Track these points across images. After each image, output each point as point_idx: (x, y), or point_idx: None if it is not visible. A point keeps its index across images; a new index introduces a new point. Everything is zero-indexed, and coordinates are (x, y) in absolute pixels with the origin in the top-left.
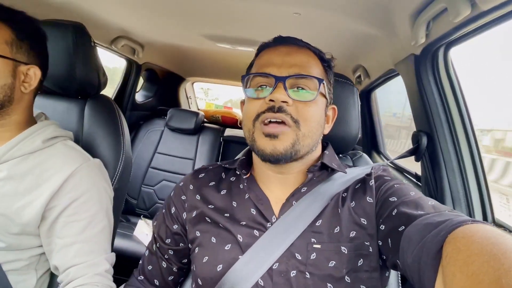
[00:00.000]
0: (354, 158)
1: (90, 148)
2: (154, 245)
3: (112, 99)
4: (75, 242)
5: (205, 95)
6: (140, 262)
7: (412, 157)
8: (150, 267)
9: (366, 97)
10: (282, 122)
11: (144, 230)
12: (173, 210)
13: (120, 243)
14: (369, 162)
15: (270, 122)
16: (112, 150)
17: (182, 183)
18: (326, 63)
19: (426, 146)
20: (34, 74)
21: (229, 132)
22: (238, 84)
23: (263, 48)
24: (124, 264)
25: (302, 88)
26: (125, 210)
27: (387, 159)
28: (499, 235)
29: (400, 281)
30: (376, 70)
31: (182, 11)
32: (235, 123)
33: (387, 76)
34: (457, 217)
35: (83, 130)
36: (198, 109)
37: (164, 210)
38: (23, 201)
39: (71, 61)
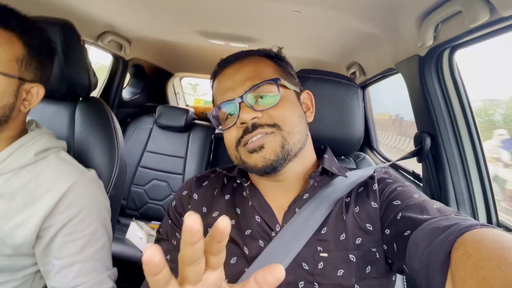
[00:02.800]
0: (357, 160)
1: (83, 155)
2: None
3: (98, 96)
4: (75, 262)
5: (193, 91)
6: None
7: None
8: None
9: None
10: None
11: (137, 233)
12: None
13: (113, 247)
14: (372, 163)
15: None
16: (107, 156)
17: (185, 191)
18: (276, 58)
19: (429, 148)
20: (37, 92)
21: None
22: None
23: (214, 78)
24: (119, 269)
25: (264, 95)
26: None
27: (381, 156)
28: (509, 239)
29: (405, 285)
30: (374, 68)
31: (174, 6)
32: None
33: (384, 75)
34: (464, 221)
35: (74, 135)
36: (187, 105)
37: (170, 221)
38: (15, 221)
39: (60, 62)
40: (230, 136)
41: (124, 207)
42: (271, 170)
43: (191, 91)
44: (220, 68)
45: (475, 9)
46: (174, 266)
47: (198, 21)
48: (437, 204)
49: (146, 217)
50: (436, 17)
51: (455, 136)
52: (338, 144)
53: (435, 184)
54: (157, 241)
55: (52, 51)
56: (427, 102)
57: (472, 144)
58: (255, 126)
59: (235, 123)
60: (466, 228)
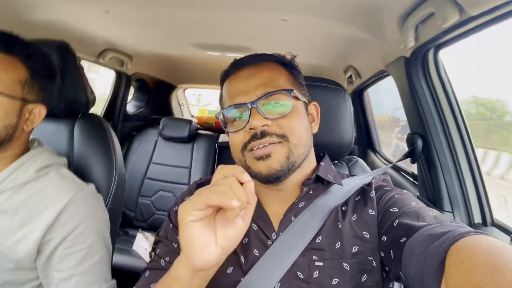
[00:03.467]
0: (349, 164)
1: (82, 170)
2: (162, 260)
3: (103, 111)
4: (74, 275)
5: (197, 101)
6: (137, 285)
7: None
8: (153, 285)
9: (359, 96)
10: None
11: (143, 245)
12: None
13: (119, 258)
14: (365, 167)
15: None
16: (105, 170)
17: (187, 197)
18: (289, 66)
19: (421, 149)
20: (39, 112)
21: (223, 137)
22: None
23: (225, 77)
24: (124, 281)
25: (276, 103)
26: (123, 223)
27: (383, 158)
28: (502, 247)
29: None
30: (367, 71)
31: (169, 21)
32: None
33: (379, 76)
34: (459, 228)
35: (73, 151)
36: (192, 116)
37: (171, 225)
38: (17, 236)
39: (57, 81)
40: (237, 139)
41: (133, 219)
42: (274, 179)
43: (196, 102)
44: (234, 68)
45: (445, 10)
46: None
47: (193, 34)
48: (433, 212)
49: (154, 228)
50: (414, 19)
51: (445, 135)
52: (329, 149)
53: (429, 185)
54: (157, 243)
55: (54, 74)
56: (416, 103)
57: (463, 143)
58: (264, 134)
59: (244, 127)
60: (460, 235)
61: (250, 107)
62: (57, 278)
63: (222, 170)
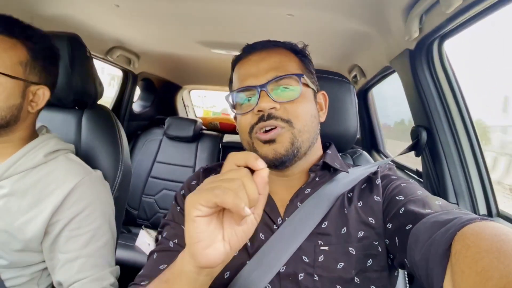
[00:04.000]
0: (354, 156)
1: (88, 159)
2: (170, 242)
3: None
4: (79, 256)
5: (202, 103)
6: (145, 267)
7: (412, 154)
8: (163, 266)
9: (363, 96)
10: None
11: (146, 240)
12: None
13: (122, 254)
14: (369, 159)
15: (265, 130)
16: (111, 159)
17: (194, 181)
18: (300, 54)
19: (426, 141)
20: (43, 94)
21: (227, 138)
22: None
23: (236, 61)
24: (127, 275)
25: (285, 87)
26: (126, 221)
27: (387, 158)
28: (508, 232)
29: (407, 281)
30: (372, 69)
31: (176, 18)
32: (233, 129)
33: (383, 74)
34: (465, 215)
35: (81, 141)
36: (196, 117)
37: (178, 208)
38: (26, 217)
39: (67, 72)
40: (245, 121)
41: (136, 217)
42: (280, 163)
43: (201, 103)
44: (245, 53)
45: None
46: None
47: (198, 31)
48: (439, 201)
49: (156, 226)
50: (419, 8)
51: (450, 128)
52: (334, 140)
53: (434, 177)
54: (163, 226)
55: (56, 56)
56: (421, 96)
57: (468, 135)
58: (270, 116)
59: (253, 109)
60: (467, 221)
61: (259, 89)
62: (62, 260)
63: (233, 158)
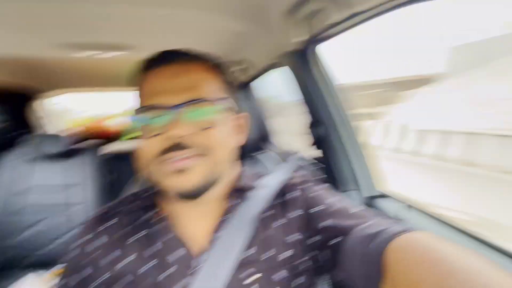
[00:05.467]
0: (261, 157)
1: None
2: None
3: None
4: None
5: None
6: None
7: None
8: None
9: (250, 88)
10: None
11: None
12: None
13: None
14: (275, 157)
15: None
16: None
17: (87, 236)
18: (221, 70)
19: (319, 135)
20: None
21: (110, 147)
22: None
23: (146, 68)
24: None
25: (203, 112)
26: (6, 264)
27: (279, 149)
28: (436, 242)
29: None
30: (260, 63)
31: (26, 19)
32: (110, 136)
33: (273, 68)
34: (390, 226)
35: None
36: (62, 129)
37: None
38: None
39: None
40: (151, 147)
41: (19, 256)
42: (193, 195)
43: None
44: (158, 62)
45: (329, 7)
46: None
47: (59, 33)
48: (356, 208)
49: (45, 264)
50: (300, 14)
51: (334, 121)
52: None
53: (333, 168)
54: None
55: None
56: (306, 92)
57: (347, 126)
58: (182, 145)
59: (162, 134)
60: (395, 234)
61: (172, 111)
62: None
63: None
